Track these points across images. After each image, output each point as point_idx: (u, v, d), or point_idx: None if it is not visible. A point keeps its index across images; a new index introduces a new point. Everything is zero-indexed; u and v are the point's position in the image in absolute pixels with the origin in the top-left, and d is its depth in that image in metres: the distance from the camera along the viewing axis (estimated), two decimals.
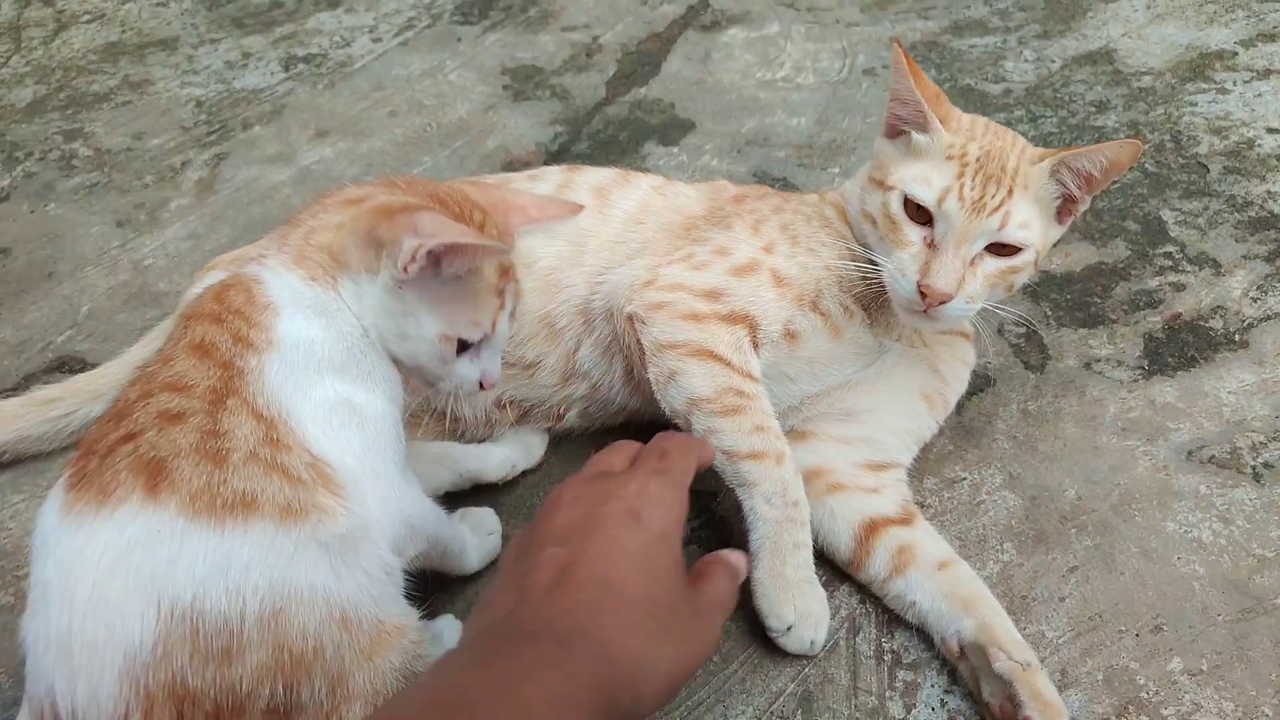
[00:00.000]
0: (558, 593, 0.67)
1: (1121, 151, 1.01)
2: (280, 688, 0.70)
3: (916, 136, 1.06)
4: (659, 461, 0.77)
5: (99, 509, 0.68)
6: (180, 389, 0.76)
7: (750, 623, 1.01)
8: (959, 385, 1.17)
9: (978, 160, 1.03)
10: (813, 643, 0.99)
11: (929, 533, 1.05)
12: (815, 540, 1.06)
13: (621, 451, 0.81)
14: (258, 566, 0.69)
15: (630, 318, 1.08)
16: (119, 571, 0.66)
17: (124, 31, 2.00)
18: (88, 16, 2.05)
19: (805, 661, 1.00)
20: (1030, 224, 1.03)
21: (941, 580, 1.00)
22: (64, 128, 1.78)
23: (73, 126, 1.78)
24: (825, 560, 1.07)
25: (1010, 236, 1.01)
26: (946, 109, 1.08)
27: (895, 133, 1.09)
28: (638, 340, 1.07)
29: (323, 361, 0.83)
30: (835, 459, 1.10)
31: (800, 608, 0.99)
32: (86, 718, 0.66)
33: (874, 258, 1.07)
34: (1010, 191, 1.02)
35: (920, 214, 1.03)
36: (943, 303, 1.01)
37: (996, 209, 1.01)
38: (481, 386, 0.91)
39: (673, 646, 0.69)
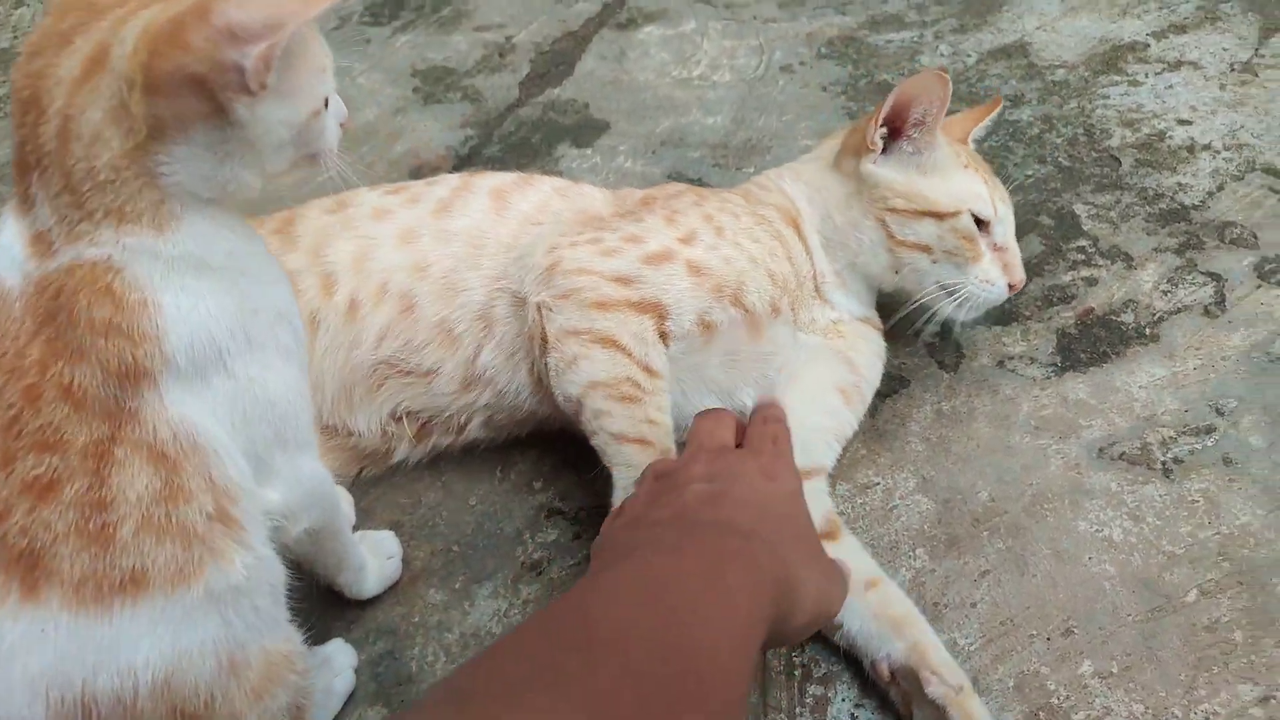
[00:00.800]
0: (720, 503, 0.71)
1: (986, 112, 1.28)
2: None
3: (924, 158, 1.12)
4: (773, 445, 0.82)
5: None
6: (52, 448, 0.64)
7: None
8: (874, 378, 1.16)
9: (971, 158, 1.16)
10: None
11: (855, 549, 1.02)
12: None
13: (725, 421, 0.86)
14: (148, 639, 0.65)
15: (538, 307, 1.04)
16: (2, 674, 0.62)
17: (15, 38, 1.92)
18: None
19: None
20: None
21: (870, 600, 0.97)
22: None
23: None
24: None
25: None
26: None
27: (863, 150, 1.13)
28: (543, 328, 1.04)
29: (221, 343, 0.70)
30: None
31: None
32: None
33: (917, 292, 1.15)
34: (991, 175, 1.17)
35: (982, 222, 1.13)
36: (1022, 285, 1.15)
37: (1007, 193, 1.18)
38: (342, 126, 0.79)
39: (820, 579, 0.74)
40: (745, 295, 1.07)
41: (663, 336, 1.04)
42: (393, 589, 1.05)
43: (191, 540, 0.67)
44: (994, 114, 1.27)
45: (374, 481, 1.13)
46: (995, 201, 1.14)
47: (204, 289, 0.69)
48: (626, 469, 0.99)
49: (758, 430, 0.85)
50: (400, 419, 1.09)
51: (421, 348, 1.08)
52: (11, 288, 0.66)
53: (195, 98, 0.63)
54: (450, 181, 1.19)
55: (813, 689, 0.96)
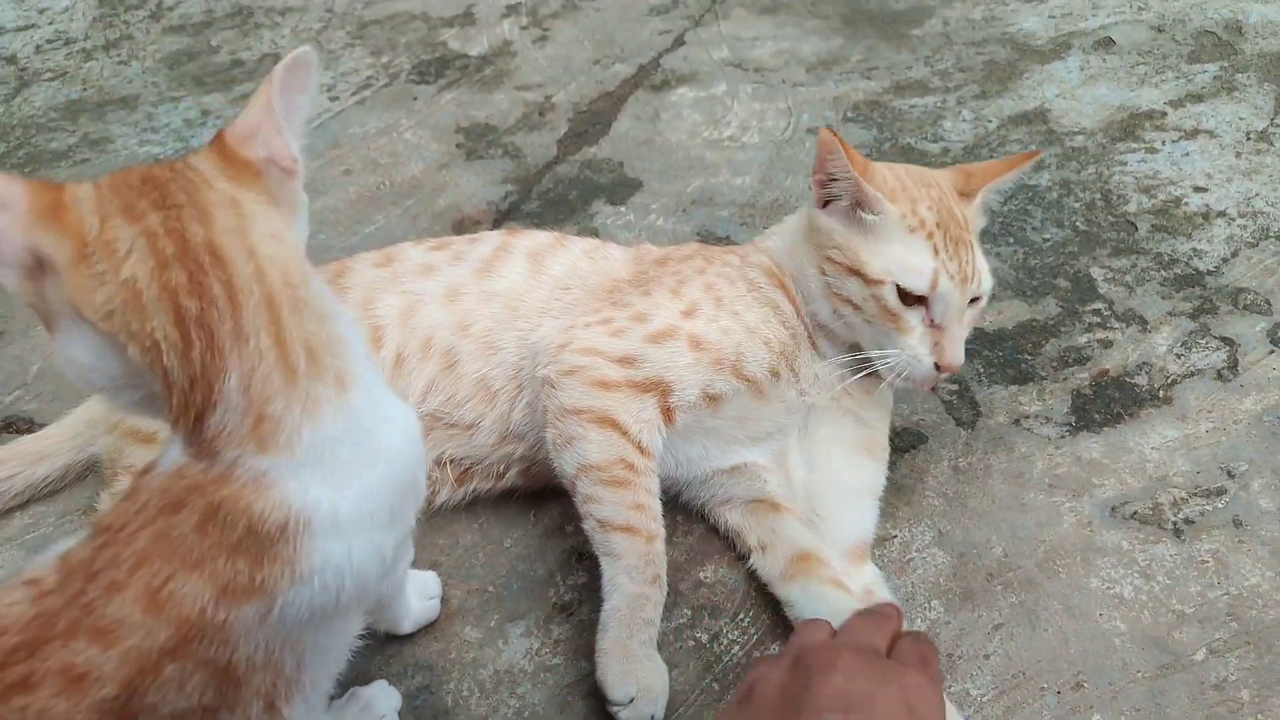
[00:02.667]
0: None
1: (1018, 163, 1.14)
2: None
3: (868, 216, 1.07)
4: (921, 666, 0.77)
5: None
6: (103, 639, 0.61)
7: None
8: (885, 427, 1.19)
9: (939, 225, 1.06)
10: (652, 717, 0.98)
11: None
12: (791, 616, 1.07)
13: (882, 627, 0.81)
14: None
15: (544, 380, 1.09)
16: None
17: (85, 89, 2.02)
18: (50, 74, 2.07)
19: None
20: (985, 263, 1.11)
21: None
22: None
23: None
24: (779, 635, 1.08)
25: (985, 288, 1.10)
26: (871, 172, 1.09)
27: (825, 204, 1.11)
28: (544, 404, 1.09)
29: (368, 572, 0.68)
30: (818, 543, 1.11)
31: (643, 681, 0.98)
32: None
33: (862, 345, 1.11)
34: (971, 245, 1.08)
35: (913, 296, 1.06)
36: (959, 367, 1.08)
37: (973, 272, 1.07)
38: None
39: None
40: (745, 366, 1.10)
41: (668, 412, 1.08)
42: (431, 626, 1.09)
43: None
44: (1022, 167, 1.16)
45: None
46: (940, 278, 1.05)
47: (365, 499, 0.67)
48: (612, 560, 1.03)
49: (908, 646, 0.81)
50: (444, 465, 1.15)
51: (463, 403, 1.13)
52: (157, 474, 0.65)
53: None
54: (491, 240, 1.25)
55: None
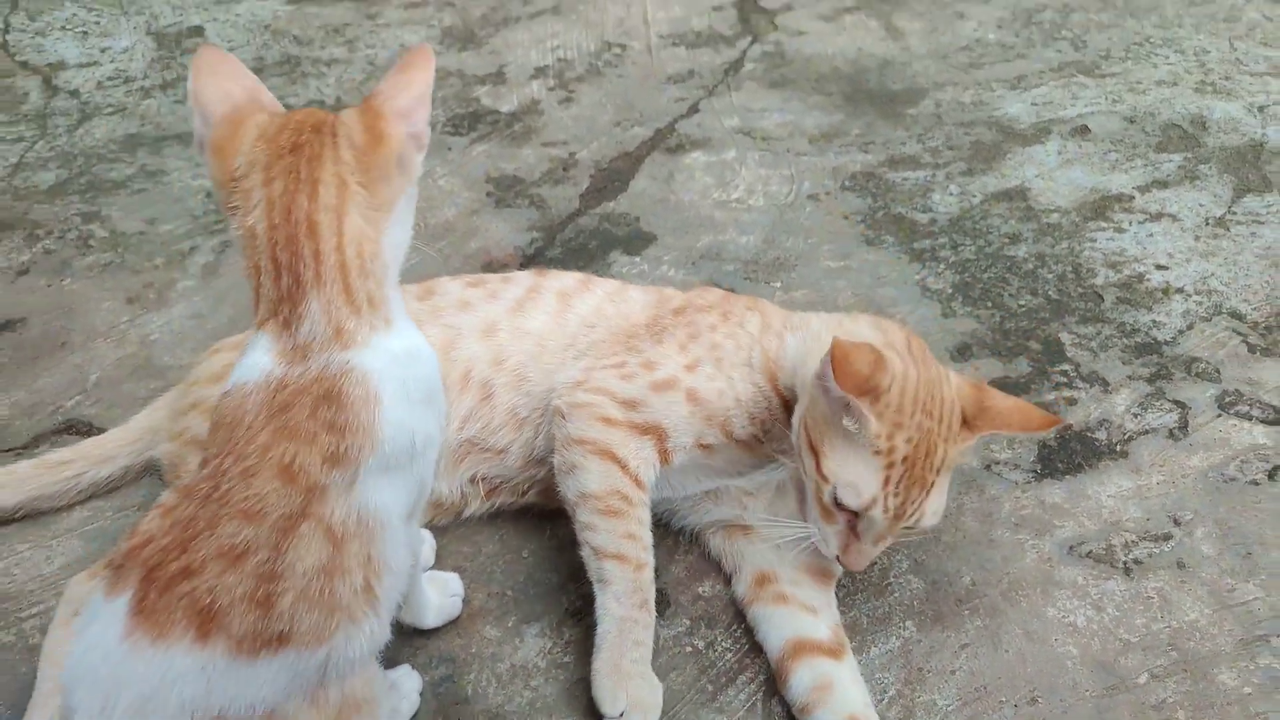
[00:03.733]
0: None
1: (1036, 423, 1.10)
2: None
3: (848, 421, 1.05)
4: None
5: (154, 641, 0.76)
6: (253, 517, 0.79)
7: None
8: None
9: (905, 460, 1.05)
10: None
11: (853, 674, 1.12)
12: (757, 639, 1.17)
13: None
14: (271, 683, 0.79)
15: (556, 410, 1.21)
16: (163, 693, 0.76)
17: (143, 124, 2.15)
18: (110, 109, 2.20)
19: (724, 719, 1.11)
20: (942, 502, 1.10)
21: None
22: (83, 210, 1.91)
23: (91, 209, 1.91)
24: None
25: (925, 524, 1.10)
26: (888, 381, 1.05)
27: (831, 386, 1.06)
28: (554, 433, 1.20)
29: (417, 433, 0.88)
30: (776, 564, 1.21)
31: (633, 696, 1.07)
32: None
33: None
34: (930, 487, 1.07)
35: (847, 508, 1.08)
36: (858, 571, 1.14)
37: (916, 511, 1.07)
38: None
39: None
40: (732, 428, 1.20)
41: (665, 454, 1.19)
42: (453, 623, 1.20)
43: (335, 609, 0.81)
44: (1033, 433, 1.14)
45: (441, 531, 1.29)
46: (877, 505, 1.05)
47: (411, 384, 0.88)
48: (603, 587, 1.12)
49: None
50: (476, 482, 1.26)
51: (496, 430, 1.25)
52: (251, 390, 0.83)
53: (397, 169, 0.88)
54: (524, 281, 1.37)
55: None
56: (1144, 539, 1.30)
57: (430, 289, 1.37)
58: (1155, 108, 2.15)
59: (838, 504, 1.07)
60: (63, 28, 2.49)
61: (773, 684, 1.14)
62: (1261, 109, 2.12)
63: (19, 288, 1.73)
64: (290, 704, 0.81)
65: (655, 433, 1.19)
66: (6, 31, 2.48)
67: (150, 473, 1.37)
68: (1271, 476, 1.37)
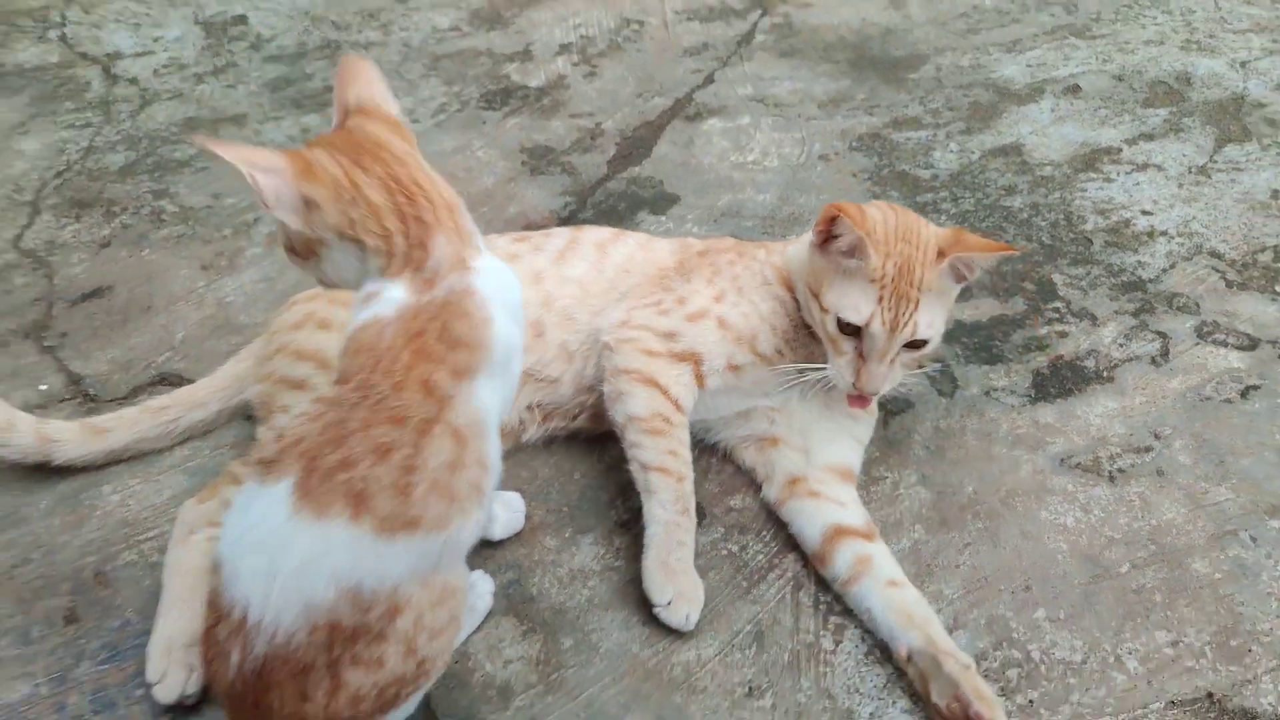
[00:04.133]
0: None
1: (996, 248, 1.27)
2: (384, 623, 0.96)
3: (847, 262, 1.26)
4: None
5: (317, 518, 0.92)
6: (399, 421, 0.95)
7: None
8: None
9: (893, 280, 1.24)
10: (688, 617, 1.22)
11: (885, 553, 1.28)
12: (791, 532, 1.34)
13: None
14: (401, 563, 0.95)
15: (604, 345, 1.37)
16: (318, 561, 0.92)
17: (199, 108, 2.29)
18: (168, 94, 2.35)
19: (759, 608, 1.27)
20: (933, 320, 1.27)
21: (891, 596, 1.22)
22: (152, 188, 2.06)
23: (160, 187, 2.06)
24: (795, 547, 1.35)
25: (919, 337, 1.27)
26: (872, 226, 1.26)
27: (824, 243, 1.30)
28: (603, 364, 1.36)
29: (512, 344, 1.05)
30: (805, 467, 1.37)
31: (677, 588, 1.23)
32: (264, 628, 0.92)
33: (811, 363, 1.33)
34: (917, 304, 1.25)
35: (851, 328, 1.27)
36: (874, 394, 1.30)
37: (908, 322, 1.25)
38: None
39: None
40: (758, 344, 1.37)
41: (700, 378, 1.36)
42: (517, 536, 1.35)
43: (454, 500, 0.97)
44: (999, 254, 1.28)
45: (504, 456, 1.44)
46: (875, 319, 1.24)
47: (509, 303, 1.05)
48: (650, 496, 1.29)
49: None
50: (532, 409, 1.42)
51: (549, 363, 1.41)
52: (388, 320, 0.99)
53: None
54: (564, 235, 1.52)
55: (834, 619, 1.25)
56: (1127, 451, 1.44)
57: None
58: (1143, 66, 2.26)
59: (842, 328, 1.28)
60: (116, 19, 2.64)
61: (799, 580, 1.30)
62: (1243, 64, 2.24)
63: (103, 259, 1.89)
64: (409, 584, 0.96)
65: (691, 359, 1.35)
66: (64, 24, 2.63)
67: (239, 417, 1.53)
68: (1244, 395, 1.51)
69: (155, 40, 2.55)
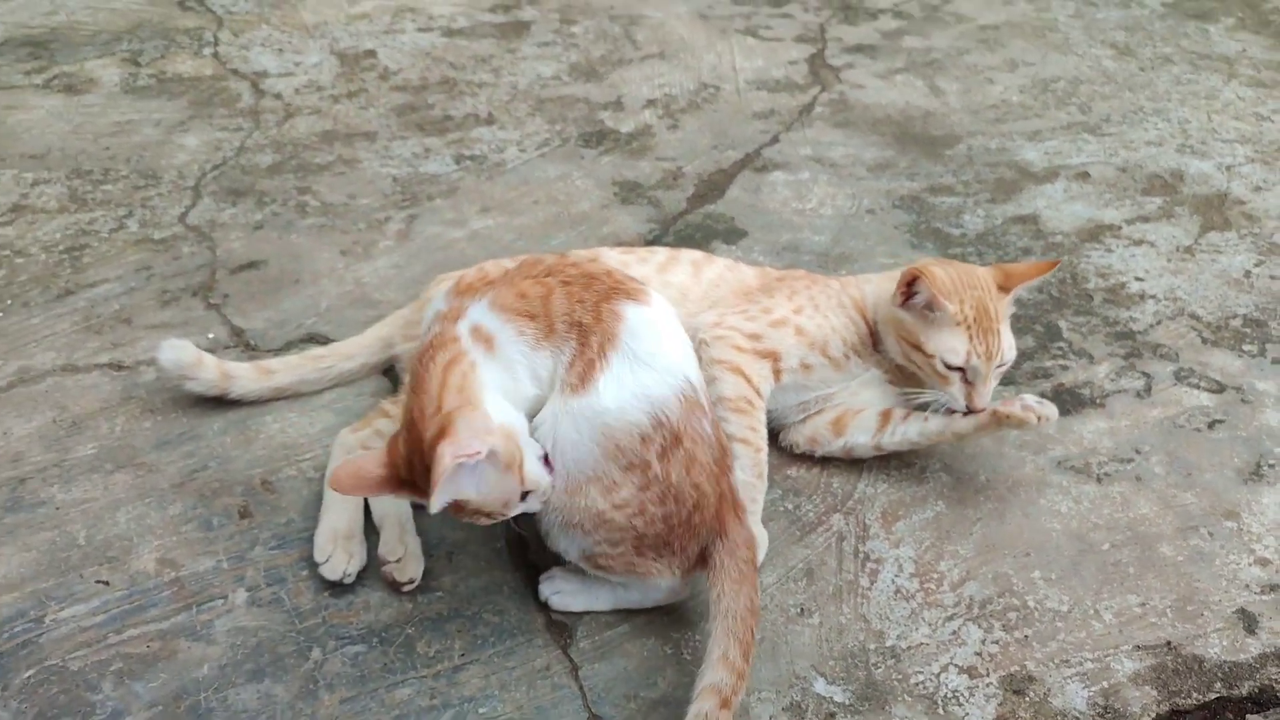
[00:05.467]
0: None
1: (1044, 268, 1.64)
2: None
3: (930, 314, 1.56)
4: None
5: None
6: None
7: None
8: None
9: (975, 320, 1.54)
10: (756, 556, 1.44)
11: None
12: (850, 446, 1.64)
13: None
14: None
15: (701, 341, 1.65)
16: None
17: (335, 124, 2.61)
18: (308, 110, 2.67)
19: (809, 552, 1.53)
20: (1011, 341, 1.59)
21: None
22: (297, 185, 2.36)
23: (303, 185, 2.37)
24: (839, 508, 1.62)
25: (1008, 359, 1.59)
26: (940, 282, 1.55)
27: (905, 302, 1.59)
28: (699, 355, 1.64)
29: None
30: (850, 406, 1.67)
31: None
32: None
33: (924, 382, 1.62)
34: (998, 333, 1.56)
35: (954, 366, 1.56)
36: (984, 409, 1.57)
37: (997, 350, 1.56)
38: None
39: None
40: (829, 349, 1.65)
41: (777, 374, 1.64)
42: None
43: None
44: (1045, 275, 1.65)
45: None
46: (972, 355, 1.54)
47: None
48: (734, 461, 1.51)
49: None
50: None
51: None
52: None
53: None
54: (664, 252, 1.81)
55: (870, 565, 1.52)
56: (1112, 460, 1.71)
57: (595, 254, 1.81)
58: (1143, 161, 2.59)
59: (948, 367, 1.55)
60: (262, 44, 2.97)
61: (843, 534, 1.56)
62: (1229, 168, 2.56)
63: (257, 238, 2.18)
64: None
65: (771, 357, 1.63)
66: (216, 44, 2.96)
67: (378, 372, 1.80)
68: (1210, 427, 1.78)
69: (296, 64, 2.88)
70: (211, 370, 1.71)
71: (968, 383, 1.58)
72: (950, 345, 1.55)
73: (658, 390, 1.24)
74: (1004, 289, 1.60)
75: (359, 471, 1.24)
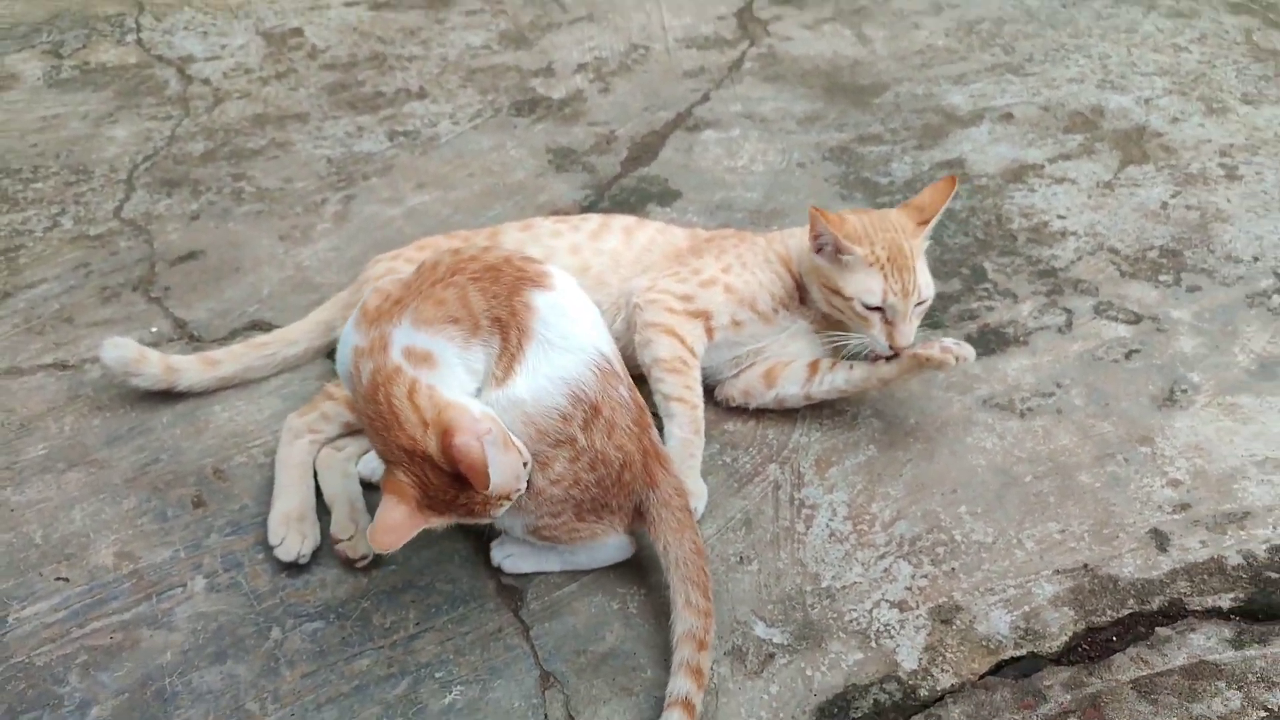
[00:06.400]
0: None
1: (944, 190, 1.69)
2: None
3: (845, 258, 1.60)
4: None
5: None
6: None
7: None
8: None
9: (889, 259, 1.58)
10: (696, 509, 1.52)
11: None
12: (782, 397, 1.69)
13: None
14: None
15: (635, 305, 1.69)
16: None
17: (266, 107, 2.59)
18: (238, 94, 2.64)
19: (747, 503, 1.59)
20: (929, 278, 1.64)
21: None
22: (231, 171, 2.35)
23: (238, 171, 2.36)
24: (773, 458, 1.68)
25: (926, 295, 1.63)
26: (848, 227, 1.61)
27: (817, 249, 1.64)
28: (633, 319, 1.68)
29: None
30: (780, 358, 1.72)
31: (689, 487, 1.51)
32: None
33: (847, 326, 1.66)
34: (914, 269, 1.60)
35: (873, 306, 1.60)
36: (907, 347, 1.61)
37: (914, 287, 1.60)
38: None
39: None
40: (758, 304, 1.70)
41: (709, 332, 1.68)
42: None
43: None
44: (949, 197, 1.68)
45: None
46: (889, 294, 1.58)
47: None
48: (670, 419, 1.60)
49: None
50: None
51: None
52: None
53: None
54: (596, 219, 1.84)
55: (805, 511, 1.58)
56: (1035, 395, 1.79)
57: (528, 224, 1.84)
58: (1065, 99, 2.64)
59: (867, 307, 1.60)
60: (185, 28, 2.93)
61: (779, 483, 1.62)
62: (1147, 101, 2.62)
63: (194, 228, 2.18)
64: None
65: (703, 316, 1.67)
66: (139, 30, 2.91)
67: (321, 355, 1.82)
68: (1128, 357, 1.86)
69: (222, 47, 2.84)
70: (156, 365, 1.72)
71: (888, 323, 1.62)
72: (866, 286, 1.60)
73: (573, 370, 1.29)
74: (923, 223, 1.66)
75: (387, 525, 1.23)
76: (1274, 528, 1.54)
